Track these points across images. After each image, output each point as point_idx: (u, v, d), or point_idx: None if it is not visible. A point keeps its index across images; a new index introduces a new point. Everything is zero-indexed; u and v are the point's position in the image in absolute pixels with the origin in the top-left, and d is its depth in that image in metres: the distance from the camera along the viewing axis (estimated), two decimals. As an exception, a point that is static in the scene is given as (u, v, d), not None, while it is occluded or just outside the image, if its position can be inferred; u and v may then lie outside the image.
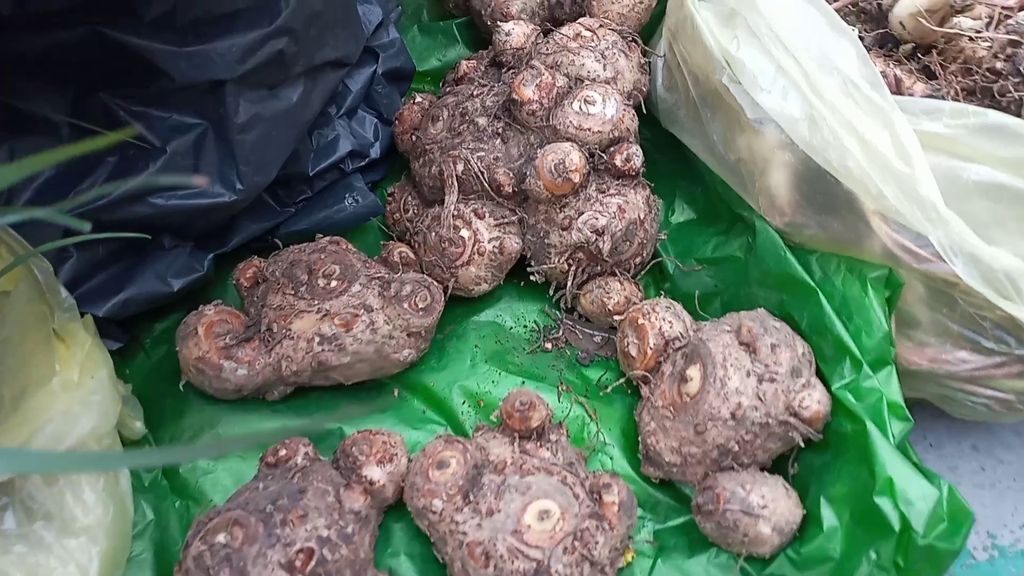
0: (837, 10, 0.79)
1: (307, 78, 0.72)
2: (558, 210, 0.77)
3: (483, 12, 0.95)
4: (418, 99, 0.91)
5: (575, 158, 0.75)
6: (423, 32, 1.02)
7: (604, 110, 0.77)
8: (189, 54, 0.61)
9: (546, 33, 0.94)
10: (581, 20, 0.85)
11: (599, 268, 0.79)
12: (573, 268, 0.79)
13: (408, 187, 0.87)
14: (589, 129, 0.77)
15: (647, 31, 0.92)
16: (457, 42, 1.01)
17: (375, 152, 0.88)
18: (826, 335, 0.66)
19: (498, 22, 0.88)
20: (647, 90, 0.86)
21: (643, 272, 0.82)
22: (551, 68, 0.82)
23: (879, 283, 0.65)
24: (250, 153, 0.68)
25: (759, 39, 0.70)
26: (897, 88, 0.68)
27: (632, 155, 0.77)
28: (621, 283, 0.79)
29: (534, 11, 0.94)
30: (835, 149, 0.62)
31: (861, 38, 0.82)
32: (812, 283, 0.67)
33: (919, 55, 0.79)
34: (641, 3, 0.90)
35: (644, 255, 0.80)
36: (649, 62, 0.87)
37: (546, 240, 0.79)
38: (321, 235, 0.86)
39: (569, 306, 0.81)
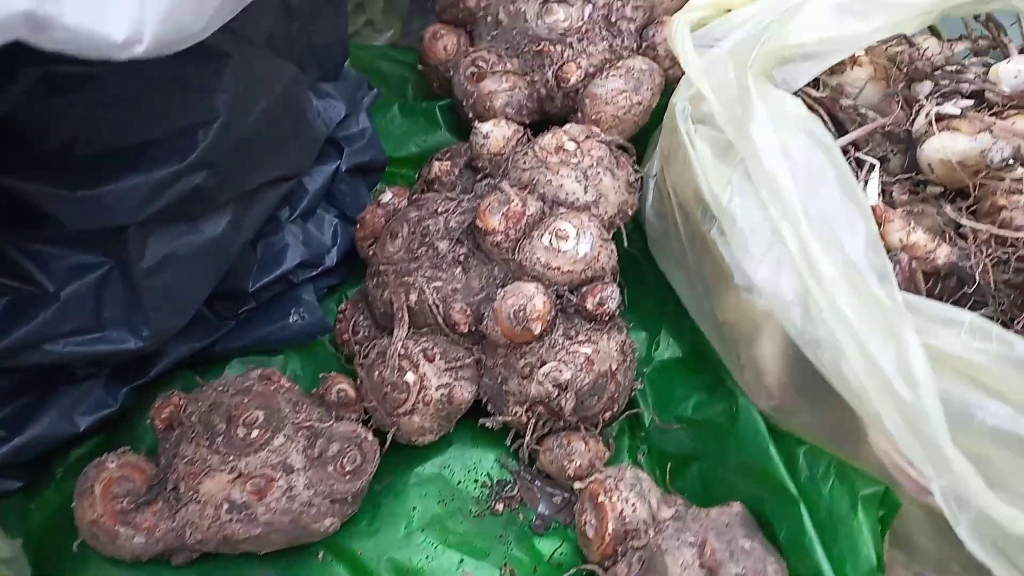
0: (861, 138, 0.68)
1: (238, 204, 0.63)
2: (518, 356, 0.68)
3: (464, 103, 0.85)
4: (386, 197, 0.82)
5: (538, 304, 0.65)
6: (404, 113, 0.92)
7: (577, 247, 0.68)
8: (81, 200, 0.53)
9: (534, 125, 0.85)
10: (567, 128, 0.75)
11: (562, 423, 0.70)
12: (532, 421, 0.70)
13: (362, 303, 0.78)
14: (559, 268, 0.67)
15: (648, 130, 0.83)
16: (440, 127, 0.91)
17: (331, 259, 0.80)
18: (804, 557, 0.56)
19: (476, 122, 0.79)
20: (634, 211, 0.76)
21: (615, 422, 0.73)
22: (526, 187, 0.73)
23: (872, 502, 0.55)
24: (160, 297, 0.60)
25: (756, 190, 0.60)
26: (911, 276, 0.57)
27: (607, 298, 0.68)
28: (586, 442, 0.70)
29: (521, 104, 0.84)
30: (830, 349, 0.52)
31: (886, 161, 0.72)
32: (795, 491, 0.57)
33: (948, 199, 0.68)
34: (638, 105, 0.80)
35: (615, 409, 0.71)
36: (641, 177, 0.77)
37: (504, 387, 0.69)
38: (268, 350, 0.79)
39: (527, 460, 0.72)
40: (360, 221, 0.80)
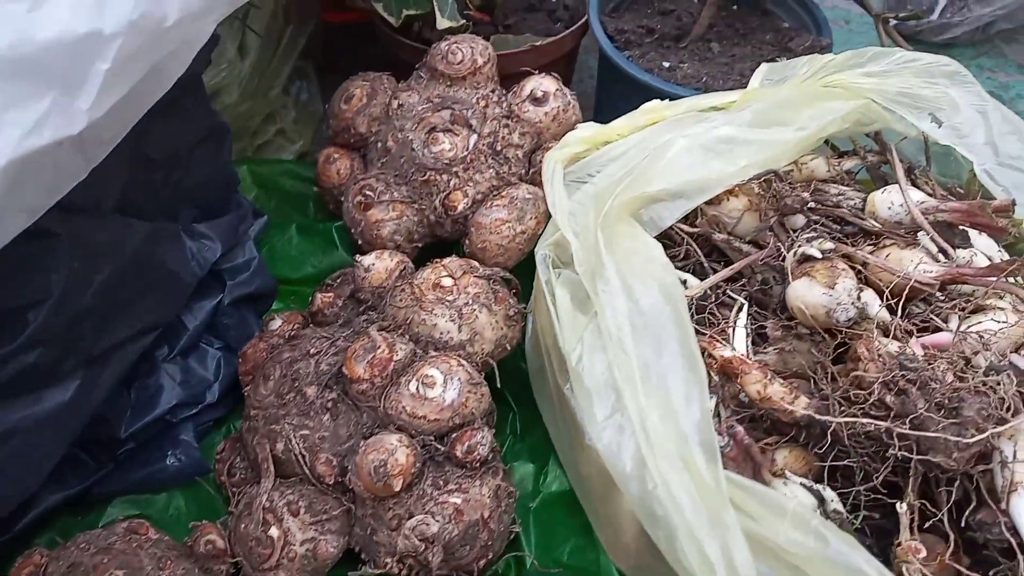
0: (737, 272, 0.68)
1: (89, 367, 0.62)
2: (386, 507, 0.67)
3: (353, 230, 0.85)
4: (275, 325, 0.81)
5: (400, 458, 0.64)
6: (301, 233, 0.92)
7: (444, 394, 0.67)
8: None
9: (431, 248, 0.85)
10: (447, 263, 0.75)
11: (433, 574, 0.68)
12: (404, 572, 0.68)
13: (240, 443, 0.77)
14: (424, 417, 0.66)
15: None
16: (336, 247, 0.91)
17: (213, 395, 0.78)
18: None
19: (358, 256, 0.79)
20: (515, 343, 0.76)
21: (494, 565, 0.71)
22: (400, 327, 0.72)
23: None
24: (7, 465, 0.58)
25: (604, 350, 0.59)
26: (745, 451, 0.56)
27: (476, 445, 0.67)
28: (459, 591, 0.68)
29: (411, 231, 0.84)
30: (663, 527, 0.51)
31: (768, 288, 0.72)
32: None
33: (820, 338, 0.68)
34: (522, 234, 0.80)
35: (490, 556, 0.69)
36: (523, 310, 0.77)
37: (374, 537, 0.68)
38: (144, 491, 0.77)
39: (403, 611, 0.71)
40: (242, 355, 0.79)
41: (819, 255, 0.66)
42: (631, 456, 0.54)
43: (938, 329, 0.67)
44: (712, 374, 0.61)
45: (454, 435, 0.67)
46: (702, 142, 0.70)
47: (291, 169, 0.99)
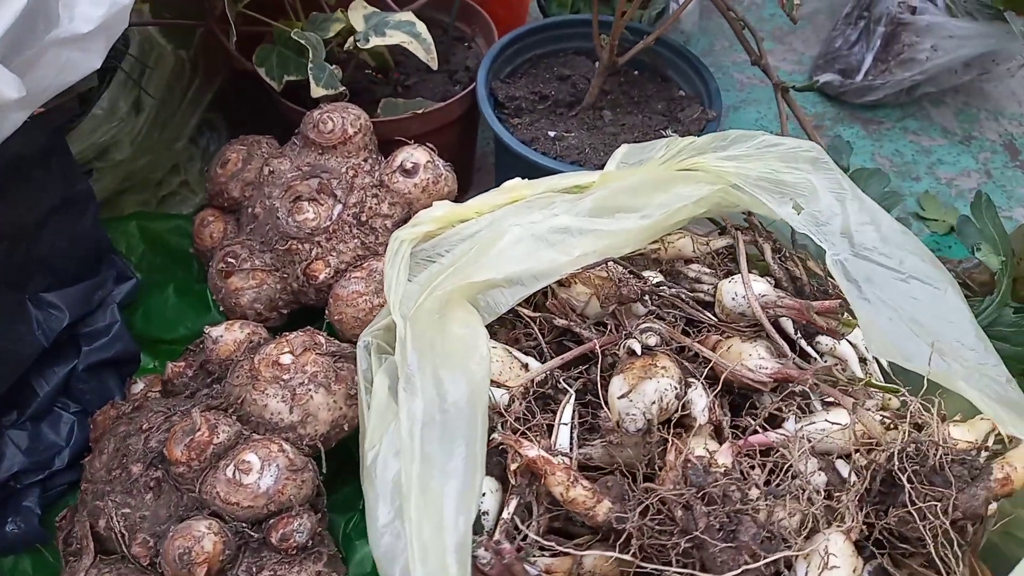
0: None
1: None
2: (200, 593, 0.66)
3: (215, 296, 0.85)
4: (137, 388, 0.81)
5: (207, 546, 0.64)
6: (178, 294, 0.92)
7: (260, 480, 0.66)
8: None
9: (300, 315, 0.85)
10: (291, 338, 0.75)
11: (249, 658, 0.68)
12: (217, 657, 0.67)
13: (80, 514, 0.77)
14: (238, 504, 0.66)
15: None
16: (210, 310, 0.91)
17: (62, 461, 0.78)
18: None
19: (207, 326, 0.78)
20: (355, 424, 0.75)
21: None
22: (231, 406, 0.72)
23: None
24: None
25: (399, 452, 0.58)
26: (505, 571, 0.55)
27: (292, 532, 0.66)
28: None
29: (272, 300, 0.84)
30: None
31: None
32: None
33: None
34: (380, 307, 0.80)
35: (309, 642, 0.68)
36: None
37: (191, 620, 0.67)
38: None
39: None
40: (92, 422, 0.79)
41: (638, 350, 0.65)
42: (401, 568, 0.53)
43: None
44: (515, 475, 0.60)
45: (271, 521, 0.67)
46: (535, 232, 0.70)
47: (181, 226, 0.99)
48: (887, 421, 0.67)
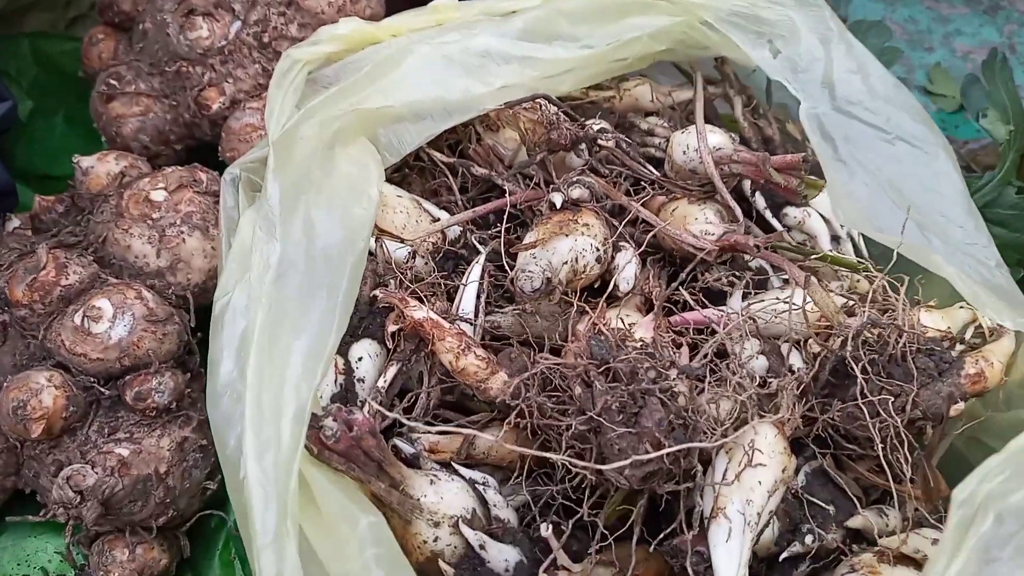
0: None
1: None
2: (47, 450, 0.58)
3: (96, 124, 0.74)
4: (12, 225, 0.71)
5: (46, 400, 0.55)
6: (68, 123, 0.81)
7: (111, 330, 0.57)
8: None
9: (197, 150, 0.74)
10: (169, 172, 0.64)
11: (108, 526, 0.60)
12: (69, 522, 0.60)
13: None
14: (85, 355, 0.57)
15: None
16: (100, 140, 0.80)
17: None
18: None
19: (76, 156, 0.67)
20: (242, 276, 0.65)
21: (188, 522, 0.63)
22: (91, 245, 0.62)
23: None
24: None
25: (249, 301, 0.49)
26: (366, 453, 0.46)
27: (150, 391, 0.57)
28: (131, 549, 0.60)
29: (160, 131, 0.73)
30: (247, 529, 0.42)
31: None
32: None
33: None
34: (279, 145, 0.69)
35: (173, 513, 0.61)
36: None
37: (39, 481, 0.60)
38: None
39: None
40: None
41: (558, 203, 0.54)
42: (236, 436, 0.44)
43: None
44: (394, 339, 0.51)
45: (126, 378, 0.58)
46: (448, 53, 0.58)
47: (79, 48, 0.87)
48: (852, 303, 0.57)
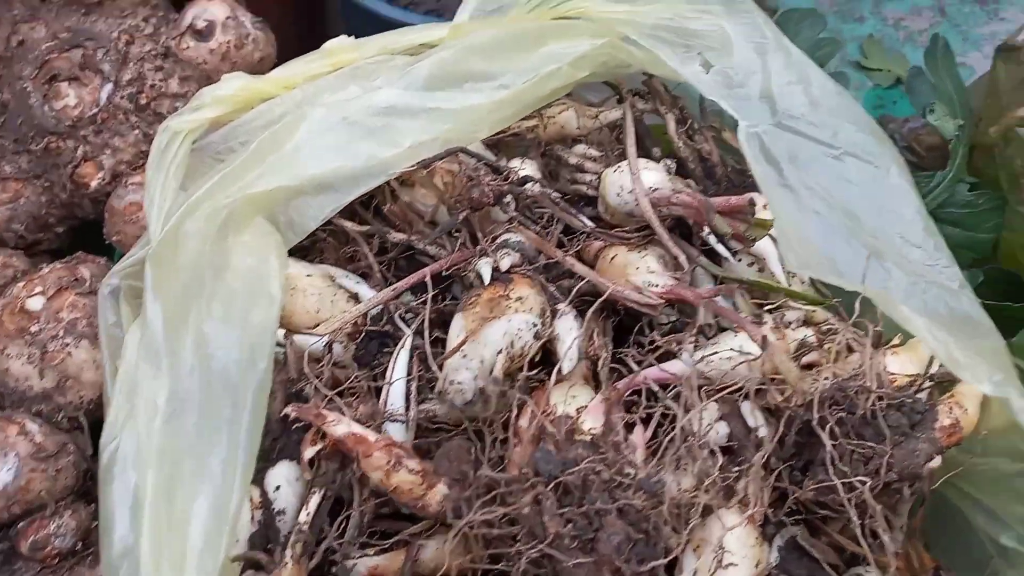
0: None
1: None
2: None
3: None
4: None
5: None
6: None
7: (-5, 474, 0.50)
8: None
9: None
10: (45, 273, 0.57)
11: None
12: None
13: None
14: (-32, 504, 0.50)
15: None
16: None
17: None
18: None
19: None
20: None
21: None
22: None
23: None
24: None
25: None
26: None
27: (48, 538, 0.51)
28: None
29: (35, 217, 0.64)
30: None
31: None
32: None
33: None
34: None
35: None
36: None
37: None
38: None
39: None
40: None
41: (486, 276, 0.48)
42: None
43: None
44: (314, 464, 0.45)
45: (19, 526, 0.51)
46: (348, 114, 0.51)
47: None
48: (812, 342, 0.52)
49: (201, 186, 0.49)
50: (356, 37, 0.63)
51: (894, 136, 0.82)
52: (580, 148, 0.64)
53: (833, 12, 0.98)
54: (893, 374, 0.48)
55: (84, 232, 0.68)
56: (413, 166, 0.52)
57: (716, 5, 0.59)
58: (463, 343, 0.44)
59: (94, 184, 0.63)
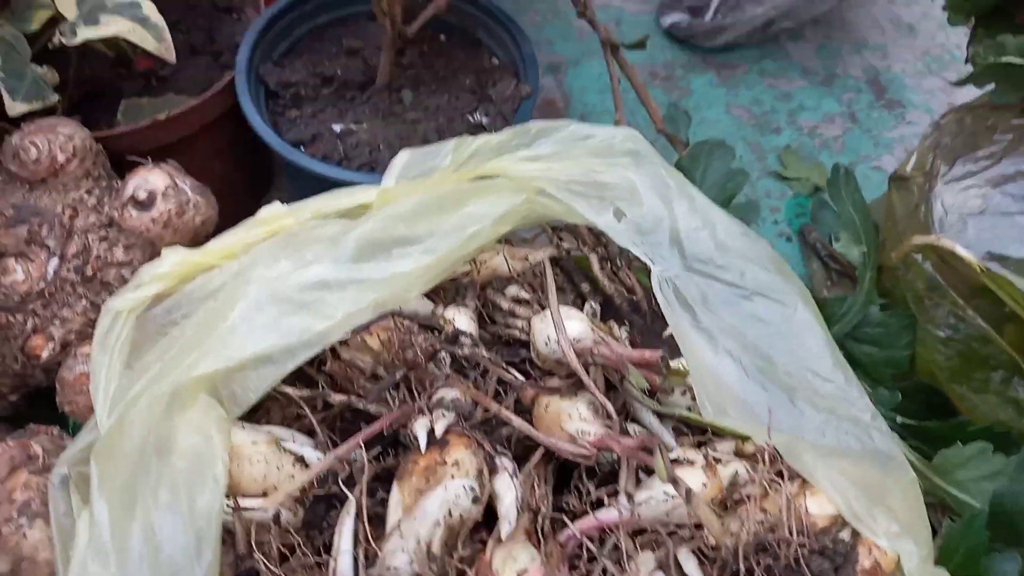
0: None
1: None
2: None
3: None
4: None
5: None
6: None
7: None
8: None
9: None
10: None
11: None
12: None
13: None
14: None
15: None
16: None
17: None
18: None
19: None
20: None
21: None
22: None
23: None
24: None
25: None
26: None
27: None
28: None
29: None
30: None
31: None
32: None
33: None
34: (119, 389, 0.63)
35: None
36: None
37: None
38: None
39: None
40: None
41: (422, 442, 0.51)
42: None
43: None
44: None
45: None
46: (280, 292, 0.54)
47: None
48: (742, 477, 0.55)
49: (144, 373, 0.52)
50: (300, 191, 0.67)
51: (816, 246, 0.87)
52: (512, 290, 0.67)
53: (751, 125, 1.04)
54: (813, 516, 0.51)
55: (37, 397, 0.70)
56: (347, 334, 0.55)
57: (624, 158, 0.64)
58: (398, 525, 0.46)
59: (45, 355, 0.65)
